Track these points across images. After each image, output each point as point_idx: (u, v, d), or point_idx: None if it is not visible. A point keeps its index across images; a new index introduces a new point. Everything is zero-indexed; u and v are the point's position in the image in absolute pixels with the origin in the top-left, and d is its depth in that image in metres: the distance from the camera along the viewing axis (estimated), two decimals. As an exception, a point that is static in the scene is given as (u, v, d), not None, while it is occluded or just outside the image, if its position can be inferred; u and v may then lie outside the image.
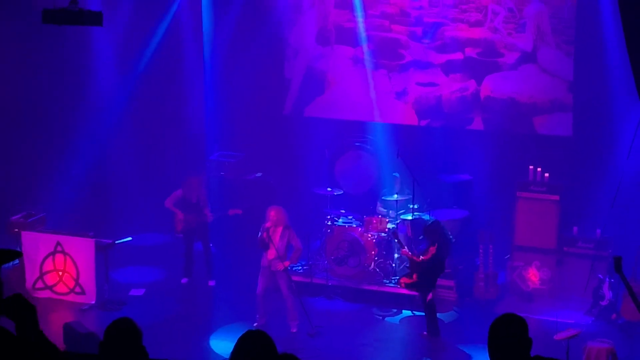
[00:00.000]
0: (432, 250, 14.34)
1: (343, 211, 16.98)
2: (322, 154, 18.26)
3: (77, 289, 15.63)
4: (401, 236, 16.46)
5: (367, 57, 18.73)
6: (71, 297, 15.64)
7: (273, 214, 14.37)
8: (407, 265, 15.01)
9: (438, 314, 14.67)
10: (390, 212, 16.81)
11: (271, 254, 14.26)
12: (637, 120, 13.56)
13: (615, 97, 16.54)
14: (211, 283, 16.63)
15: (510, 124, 17.85)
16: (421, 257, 14.45)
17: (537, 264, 16.06)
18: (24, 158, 18.07)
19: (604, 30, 16.56)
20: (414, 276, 14.52)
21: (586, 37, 16.99)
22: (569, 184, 16.53)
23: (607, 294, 15.07)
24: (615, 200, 14.13)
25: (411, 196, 16.27)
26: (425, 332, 14.46)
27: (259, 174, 18.86)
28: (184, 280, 16.66)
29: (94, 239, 15.68)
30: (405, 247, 15.00)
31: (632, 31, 9.00)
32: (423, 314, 15.08)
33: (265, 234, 14.22)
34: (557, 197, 16.18)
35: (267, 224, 14.32)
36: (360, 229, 16.28)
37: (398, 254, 16.37)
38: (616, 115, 16.57)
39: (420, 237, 15.14)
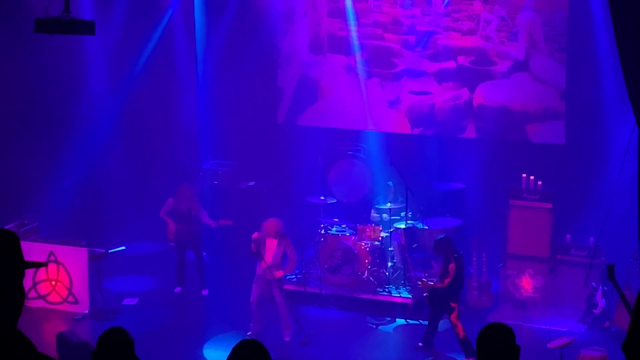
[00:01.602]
0: (453, 267, 14.08)
1: (336, 220, 16.96)
2: (315, 163, 18.24)
3: (70, 299, 15.61)
4: (395, 244, 16.49)
5: (360, 65, 18.76)
6: (64, 307, 15.60)
7: (268, 226, 14.37)
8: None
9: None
10: (385, 219, 16.80)
11: (265, 262, 14.25)
12: (630, 128, 13.58)
13: (608, 104, 16.58)
14: (204, 292, 16.61)
15: (503, 132, 17.87)
16: (445, 280, 14.04)
17: (531, 272, 16.06)
18: (16, 167, 18.03)
19: (596, 37, 16.61)
20: (446, 281, 14.11)
21: (578, 44, 17.03)
22: (561, 191, 16.54)
23: (600, 302, 15.08)
24: (609, 210, 14.17)
25: (404, 204, 16.28)
26: (420, 344, 14.41)
27: (252, 183, 18.85)
28: (177, 290, 16.65)
29: (87, 249, 15.66)
30: (432, 281, 14.40)
31: (624, 38, 9.01)
32: (417, 322, 15.12)
33: (253, 246, 14.22)
34: (550, 205, 16.18)
35: (255, 235, 14.30)
36: (353, 237, 16.26)
37: (392, 262, 16.37)
38: (609, 123, 16.61)
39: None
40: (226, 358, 5.32)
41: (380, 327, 15.44)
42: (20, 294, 4.49)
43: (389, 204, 16.67)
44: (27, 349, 4.43)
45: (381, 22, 18.57)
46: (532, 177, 16.29)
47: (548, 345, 12.67)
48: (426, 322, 14.49)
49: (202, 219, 16.39)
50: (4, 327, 4.32)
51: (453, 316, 13.86)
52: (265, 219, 14.74)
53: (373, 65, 18.73)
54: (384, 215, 16.88)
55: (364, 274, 16.10)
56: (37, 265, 5.48)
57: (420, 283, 14.45)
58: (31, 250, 15.77)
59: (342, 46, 18.91)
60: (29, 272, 15.65)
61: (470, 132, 18.20)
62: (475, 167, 17.57)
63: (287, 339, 14.44)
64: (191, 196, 16.43)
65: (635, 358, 5.46)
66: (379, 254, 16.30)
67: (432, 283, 14.19)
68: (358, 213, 17.30)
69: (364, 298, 16.04)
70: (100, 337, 5.69)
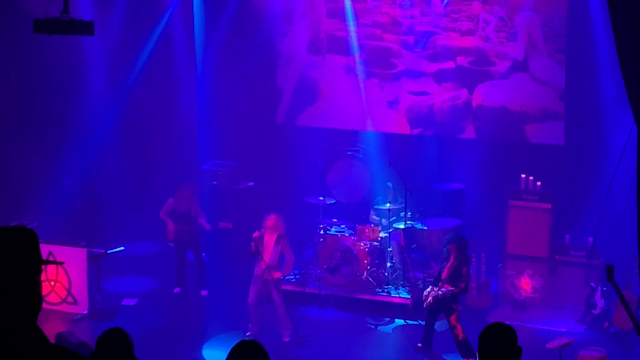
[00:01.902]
0: (466, 270, 13.86)
1: (335, 220, 16.96)
2: (315, 163, 18.25)
3: (69, 299, 15.61)
4: (394, 245, 16.48)
5: (359, 66, 18.76)
6: (63, 307, 15.61)
7: (272, 217, 14.36)
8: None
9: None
10: (383, 220, 16.82)
11: (264, 262, 14.25)
12: (629, 129, 13.61)
13: (607, 105, 16.59)
14: (204, 293, 16.61)
15: (502, 133, 17.88)
16: (461, 284, 13.77)
17: (530, 273, 16.06)
18: (16, 168, 18.03)
19: (595, 38, 16.62)
20: (462, 285, 13.77)
21: (577, 45, 17.04)
22: (560, 192, 16.55)
23: (599, 302, 15.08)
24: (606, 209, 14.18)
25: (404, 205, 16.29)
26: (419, 344, 14.36)
27: (252, 183, 18.85)
28: (176, 290, 16.65)
29: (86, 249, 15.66)
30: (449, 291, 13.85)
31: (623, 39, 9.02)
32: (416, 322, 15.13)
33: (253, 244, 14.21)
34: (549, 206, 16.18)
35: (256, 234, 14.30)
36: (352, 238, 16.27)
37: (391, 263, 16.36)
38: (608, 123, 16.62)
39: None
40: (225, 358, 5.33)
41: (379, 327, 15.44)
42: (38, 291, 4.54)
43: (388, 205, 16.66)
44: (44, 345, 4.48)
45: (380, 22, 18.57)
46: (531, 178, 16.29)
47: (547, 345, 12.67)
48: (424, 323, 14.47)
49: (199, 221, 16.40)
50: (23, 323, 4.37)
51: (453, 318, 13.80)
52: (264, 219, 14.72)
53: (372, 66, 18.74)
54: (384, 220, 16.83)
55: (363, 275, 16.10)
56: (55, 263, 5.60)
57: (440, 293, 13.79)
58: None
59: (341, 46, 18.92)
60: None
61: (469, 133, 18.21)
62: (474, 168, 17.59)
63: (286, 340, 14.44)
64: (191, 197, 16.44)
65: None
66: (378, 254, 16.31)
67: (451, 290, 13.75)
68: (357, 213, 17.30)
69: (363, 298, 16.03)
70: (99, 338, 5.71)
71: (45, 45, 16.17)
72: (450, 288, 13.77)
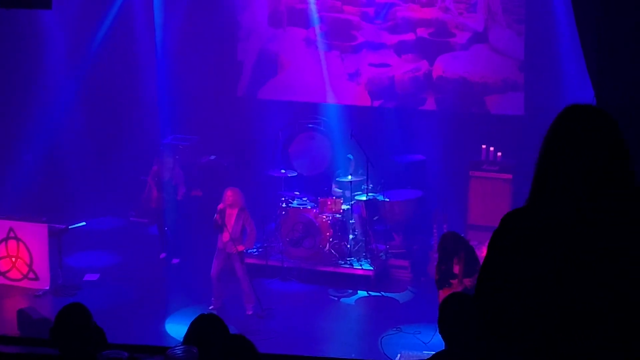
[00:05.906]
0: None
1: (297, 193, 16.98)
2: (276, 136, 18.24)
3: (31, 275, 15.53)
4: (356, 217, 16.53)
5: (319, 38, 18.73)
6: (25, 283, 15.53)
7: (229, 194, 14.36)
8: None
9: (393, 294, 14.68)
10: (345, 192, 16.85)
11: (226, 236, 14.26)
12: (589, 99, 13.70)
13: (566, 75, 16.66)
14: (175, 261, 16.67)
15: (462, 104, 17.94)
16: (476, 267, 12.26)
17: (491, 243, 16.14)
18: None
19: (555, 9, 16.68)
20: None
21: (537, 16, 17.10)
22: (521, 162, 16.62)
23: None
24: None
25: (365, 177, 16.32)
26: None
27: (213, 157, 18.81)
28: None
29: (47, 224, 15.58)
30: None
31: (581, 10, 9.06)
32: (379, 294, 15.21)
33: (218, 216, 14.21)
34: (509, 176, 16.30)
35: (221, 206, 14.30)
36: (314, 210, 16.29)
37: (353, 235, 16.41)
38: (567, 94, 16.67)
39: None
40: (185, 332, 5.35)
41: (341, 299, 15.49)
42: None
43: (349, 177, 16.69)
44: None
45: (340, -6, 18.55)
46: (491, 149, 16.40)
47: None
48: (388, 294, 14.47)
49: (179, 190, 16.54)
50: None
51: None
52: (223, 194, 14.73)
53: (332, 38, 18.71)
54: (345, 192, 16.88)
55: (325, 247, 16.14)
56: None
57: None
58: (-10, 226, 15.72)
59: (301, 19, 18.88)
60: (-11, 249, 15.60)
61: (430, 104, 18.25)
62: (435, 139, 17.62)
63: (250, 312, 14.45)
64: (174, 165, 16.58)
65: None
66: (340, 226, 16.34)
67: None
68: (319, 186, 17.33)
69: (326, 271, 16.07)
70: (58, 314, 5.70)
71: (3, 21, 16.03)
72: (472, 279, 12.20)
